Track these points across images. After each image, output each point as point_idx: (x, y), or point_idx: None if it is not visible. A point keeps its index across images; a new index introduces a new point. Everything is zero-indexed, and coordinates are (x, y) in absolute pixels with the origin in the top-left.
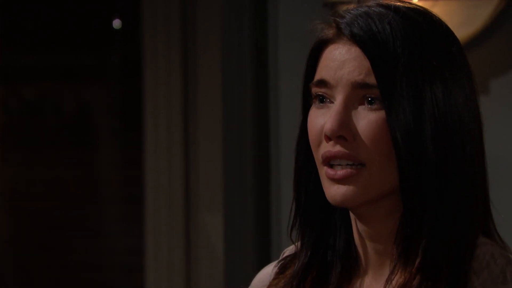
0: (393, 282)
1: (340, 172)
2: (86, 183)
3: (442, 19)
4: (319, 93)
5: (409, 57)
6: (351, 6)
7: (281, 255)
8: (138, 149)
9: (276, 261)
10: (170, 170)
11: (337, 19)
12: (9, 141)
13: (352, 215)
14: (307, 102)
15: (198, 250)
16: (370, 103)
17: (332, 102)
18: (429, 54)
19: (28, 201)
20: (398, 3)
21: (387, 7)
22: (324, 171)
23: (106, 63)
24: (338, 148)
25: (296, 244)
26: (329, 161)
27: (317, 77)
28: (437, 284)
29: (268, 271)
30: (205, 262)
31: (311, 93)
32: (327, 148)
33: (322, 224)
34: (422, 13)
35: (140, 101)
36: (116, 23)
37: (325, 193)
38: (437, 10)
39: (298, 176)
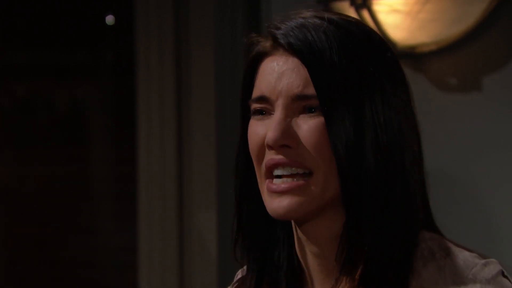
0: None
1: (283, 185)
2: (79, 180)
3: (374, 29)
4: (259, 108)
5: (347, 66)
6: (288, 15)
7: (235, 277)
8: (131, 146)
9: (230, 285)
10: (163, 167)
11: (273, 31)
12: (2, 138)
13: (294, 227)
14: (245, 116)
15: (191, 248)
16: (310, 111)
17: (272, 114)
18: (366, 63)
19: (21, 198)
20: (332, 15)
21: (321, 18)
22: (265, 186)
23: (99, 60)
24: (281, 156)
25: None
26: (273, 169)
27: (257, 93)
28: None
29: None
30: (198, 259)
31: (250, 108)
32: (270, 156)
33: (265, 240)
34: (355, 23)
35: (133, 98)
36: (109, 20)
37: (266, 207)
38: (430, 7)
39: (239, 191)
